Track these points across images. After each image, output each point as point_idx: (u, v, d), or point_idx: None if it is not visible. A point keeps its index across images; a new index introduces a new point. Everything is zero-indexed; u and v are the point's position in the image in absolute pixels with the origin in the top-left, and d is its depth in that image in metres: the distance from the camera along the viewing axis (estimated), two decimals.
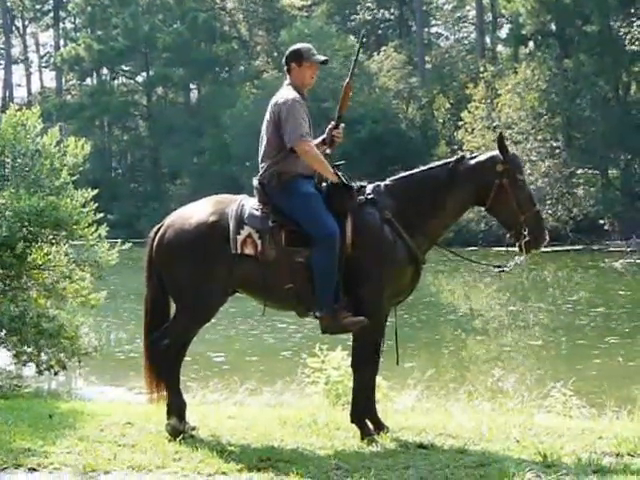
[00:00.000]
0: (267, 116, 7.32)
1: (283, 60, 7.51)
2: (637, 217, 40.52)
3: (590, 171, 45.55)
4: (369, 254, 7.02)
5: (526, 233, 7.12)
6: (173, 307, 7.38)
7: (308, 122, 7.24)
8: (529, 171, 40.15)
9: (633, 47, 42.38)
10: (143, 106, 70.90)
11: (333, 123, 7.43)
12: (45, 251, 12.96)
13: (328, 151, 7.28)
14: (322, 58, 7.50)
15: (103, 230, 13.43)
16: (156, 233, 7.37)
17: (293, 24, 57.31)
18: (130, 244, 14.16)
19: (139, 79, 72.86)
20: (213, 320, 7.47)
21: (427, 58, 61.75)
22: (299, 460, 6.45)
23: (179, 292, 7.23)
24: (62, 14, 79.20)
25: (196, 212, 7.22)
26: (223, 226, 7.04)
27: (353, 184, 7.24)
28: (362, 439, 7.04)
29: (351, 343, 7.31)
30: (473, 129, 45.40)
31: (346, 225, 7.02)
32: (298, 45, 7.56)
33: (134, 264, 12.86)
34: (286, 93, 7.28)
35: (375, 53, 57.60)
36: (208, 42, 66.99)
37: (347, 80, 7.46)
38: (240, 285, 7.18)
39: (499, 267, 7.69)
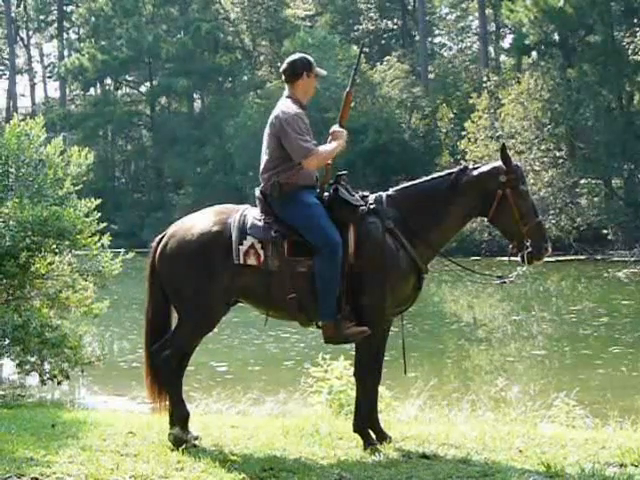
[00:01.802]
0: (268, 129, 7.31)
1: (287, 68, 7.40)
2: None
3: (593, 181, 45.45)
4: (371, 264, 7.01)
5: (528, 244, 7.12)
6: (174, 317, 7.39)
7: (311, 133, 7.24)
8: (532, 181, 40.12)
9: (636, 57, 42.34)
10: (146, 116, 70.96)
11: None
12: (48, 260, 12.98)
13: (329, 161, 7.26)
14: (324, 72, 7.54)
15: (106, 240, 13.47)
16: (158, 243, 7.38)
17: (296, 34, 57.30)
18: (133, 254, 14.19)
19: (143, 89, 72.92)
20: (216, 330, 7.48)
21: (430, 68, 61.71)
22: (302, 470, 6.45)
23: (181, 302, 7.23)
24: (66, 24, 79.31)
25: (199, 222, 7.22)
26: (226, 236, 7.04)
27: (355, 194, 7.26)
28: (365, 449, 7.03)
29: (354, 353, 7.31)
30: (476, 139, 45.37)
31: (349, 235, 7.02)
32: (304, 54, 7.55)
33: (137, 274, 12.90)
34: (286, 106, 7.25)
35: (378, 63, 57.63)
36: (211, 52, 67.06)
37: (347, 89, 7.43)
38: (242, 295, 7.18)
39: (500, 278, 7.69)
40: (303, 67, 7.38)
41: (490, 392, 12.69)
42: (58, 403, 13.47)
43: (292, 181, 7.14)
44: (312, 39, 54.16)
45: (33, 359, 13.17)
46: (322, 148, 7.16)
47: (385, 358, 7.37)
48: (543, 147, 43.94)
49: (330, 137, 7.28)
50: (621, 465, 6.61)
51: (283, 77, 7.48)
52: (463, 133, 47.00)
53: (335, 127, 7.33)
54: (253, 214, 7.17)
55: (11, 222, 12.43)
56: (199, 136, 62.26)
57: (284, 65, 7.45)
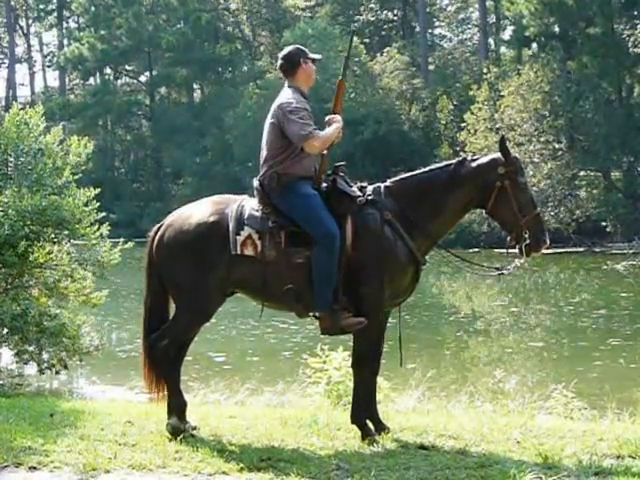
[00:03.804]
0: (269, 119, 7.30)
1: (283, 62, 7.40)
2: (639, 219, 40.53)
3: (593, 173, 45.54)
4: (369, 255, 7.01)
5: (526, 236, 7.12)
6: (172, 307, 7.39)
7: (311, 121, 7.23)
8: (532, 173, 40.16)
9: (636, 49, 42.38)
10: (146, 106, 70.93)
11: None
12: (47, 250, 12.97)
13: (325, 152, 7.24)
14: (318, 56, 7.55)
15: (105, 229, 13.46)
16: (156, 232, 7.37)
17: (297, 25, 57.32)
18: (132, 243, 14.18)
19: (142, 79, 72.93)
20: (214, 320, 7.48)
21: (430, 59, 61.71)
22: (300, 460, 6.45)
23: (178, 292, 7.23)
24: (66, 13, 79.10)
25: (196, 212, 7.22)
26: (223, 226, 7.03)
27: (354, 185, 7.26)
28: (363, 440, 7.04)
29: (352, 343, 7.31)
30: (476, 130, 45.39)
31: (346, 226, 7.02)
32: (292, 46, 7.60)
33: (136, 263, 12.89)
34: (287, 96, 7.25)
35: (378, 54, 57.61)
36: (211, 42, 67.06)
37: (340, 78, 7.41)
38: (239, 286, 7.18)
39: (498, 270, 7.69)
40: (298, 55, 7.40)
41: (488, 384, 12.70)
42: (56, 392, 13.50)
43: (290, 172, 7.13)
44: (312, 30, 54.12)
45: (31, 348, 13.19)
46: (322, 132, 7.15)
47: (384, 349, 7.38)
48: (543, 139, 43.95)
49: (326, 125, 7.27)
50: (618, 457, 6.62)
51: (282, 73, 7.47)
52: (463, 125, 47.04)
53: (329, 115, 7.33)
54: (251, 205, 7.16)
55: (10, 211, 12.41)
56: (199, 126, 62.26)
57: (279, 61, 7.46)
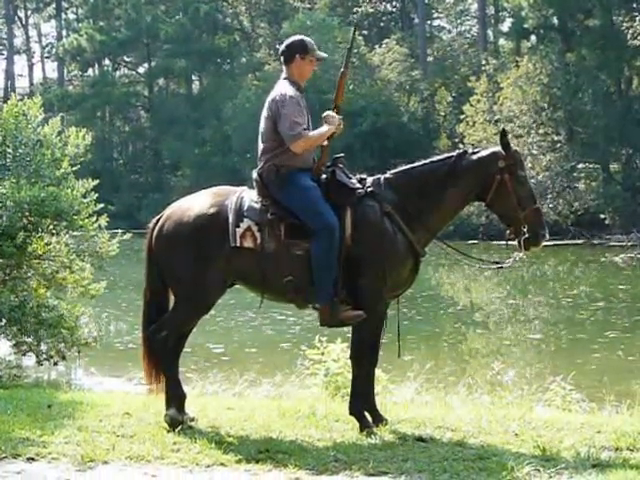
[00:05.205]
0: (265, 112, 7.30)
1: (283, 50, 7.39)
2: (638, 211, 40.53)
3: (591, 165, 45.52)
4: (369, 247, 7.01)
5: (525, 230, 7.11)
6: (172, 298, 7.38)
7: (306, 116, 7.21)
8: (530, 165, 40.11)
9: (635, 42, 42.27)
10: (145, 97, 70.84)
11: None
12: (45, 241, 12.97)
13: (325, 143, 7.23)
14: (324, 55, 7.51)
15: (103, 220, 13.45)
16: (155, 224, 7.37)
17: (295, 16, 57.20)
18: (130, 235, 14.17)
19: (141, 70, 72.78)
20: (212, 312, 7.48)
21: (429, 51, 61.63)
22: (298, 452, 6.45)
23: (177, 283, 7.23)
24: (64, 4, 78.92)
25: (195, 204, 7.21)
26: (222, 218, 7.03)
27: (353, 177, 7.25)
28: (361, 431, 7.04)
29: (350, 335, 7.30)
30: (474, 122, 45.33)
31: (345, 218, 7.01)
32: (301, 37, 7.50)
33: (134, 255, 12.92)
34: (282, 89, 7.24)
35: (377, 46, 57.49)
36: (210, 33, 66.87)
37: (342, 70, 7.39)
38: (239, 277, 7.18)
39: (497, 264, 7.70)
40: (295, 50, 7.36)
41: (486, 375, 12.70)
42: (54, 384, 13.49)
43: (289, 164, 7.12)
44: (311, 21, 54.02)
45: (30, 340, 13.19)
46: (311, 133, 7.13)
47: (382, 341, 7.38)
48: (541, 131, 43.91)
49: (323, 120, 7.26)
50: (616, 449, 6.63)
51: (281, 58, 7.47)
52: (461, 116, 46.99)
53: (329, 112, 7.30)
54: (250, 196, 7.15)
55: (8, 202, 12.40)
56: (197, 117, 62.17)
57: (281, 47, 7.46)
